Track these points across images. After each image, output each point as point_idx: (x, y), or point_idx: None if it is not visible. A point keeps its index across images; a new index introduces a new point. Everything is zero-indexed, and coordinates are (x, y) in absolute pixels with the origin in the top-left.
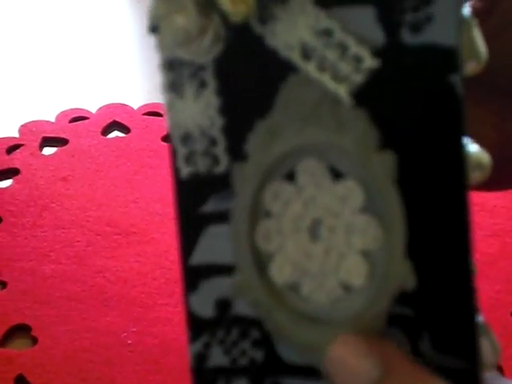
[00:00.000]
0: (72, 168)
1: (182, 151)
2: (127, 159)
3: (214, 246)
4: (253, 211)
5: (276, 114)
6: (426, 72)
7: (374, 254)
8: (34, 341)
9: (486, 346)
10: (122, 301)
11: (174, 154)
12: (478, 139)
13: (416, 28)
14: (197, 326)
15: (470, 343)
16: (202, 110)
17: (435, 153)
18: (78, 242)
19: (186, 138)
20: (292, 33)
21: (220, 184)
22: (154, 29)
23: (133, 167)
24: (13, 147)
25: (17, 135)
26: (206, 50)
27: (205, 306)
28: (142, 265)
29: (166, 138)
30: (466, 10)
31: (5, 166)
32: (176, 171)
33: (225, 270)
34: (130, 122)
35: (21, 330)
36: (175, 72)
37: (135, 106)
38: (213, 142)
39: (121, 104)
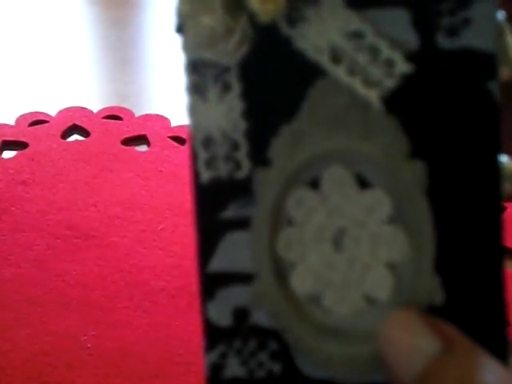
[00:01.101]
0: (32, 171)
1: (202, 155)
2: (87, 163)
3: (233, 253)
4: (274, 219)
5: (302, 119)
6: (461, 78)
7: (400, 267)
8: None
9: None
10: (82, 304)
11: (194, 157)
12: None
13: (452, 32)
14: (213, 335)
15: (501, 359)
16: (225, 114)
17: (469, 163)
18: (37, 245)
19: (208, 142)
20: (322, 35)
21: (241, 190)
22: (179, 29)
23: (92, 171)
24: None
25: None
26: (232, 52)
27: (222, 315)
28: (101, 268)
29: (125, 142)
30: (500, 14)
31: None
32: (196, 175)
33: (244, 278)
34: (90, 126)
35: None
36: (199, 74)
37: (95, 110)
38: (235, 147)
39: (80, 107)
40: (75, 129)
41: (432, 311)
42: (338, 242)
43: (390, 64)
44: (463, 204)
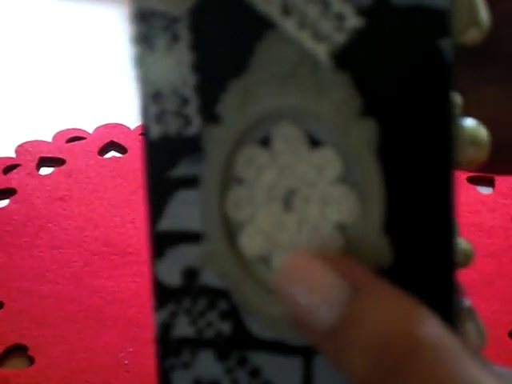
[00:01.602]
0: (69, 188)
1: (152, 109)
2: (124, 179)
3: (183, 212)
4: (224, 177)
5: (251, 74)
6: (413, 35)
7: (349, 228)
8: (31, 361)
9: (471, 330)
10: (119, 321)
11: (143, 112)
12: (494, 120)
13: None
14: (163, 294)
15: (448, 322)
16: (174, 66)
17: (419, 122)
18: (75, 262)
19: (157, 96)
20: None
21: (191, 147)
22: None
23: (129, 187)
24: (10, 167)
25: (14, 155)
26: (179, 1)
27: (172, 274)
28: (138, 285)
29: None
30: None
31: (2, 186)
32: (146, 131)
33: (193, 237)
34: (127, 142)
35: (18, 350)
36: (147, 23)
37: (132, 126)
38: (184, 102)
39: (118, 124)
40: (112, 145)
41: (380, 272)
42: (287, 202)
43: (340, 18)
44: (413, 164)
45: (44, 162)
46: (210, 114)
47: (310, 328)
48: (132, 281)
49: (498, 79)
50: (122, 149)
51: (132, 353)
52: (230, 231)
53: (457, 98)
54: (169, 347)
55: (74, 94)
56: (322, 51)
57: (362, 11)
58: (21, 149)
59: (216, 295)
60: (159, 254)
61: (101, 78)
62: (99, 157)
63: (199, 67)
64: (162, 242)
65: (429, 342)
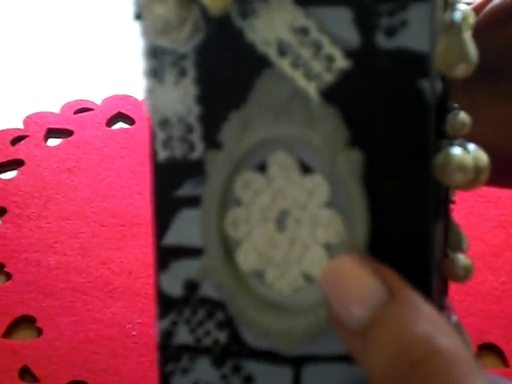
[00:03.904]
0: (77, 159)
1: (160, 135)
2: (132, 150)
3: (186, 229)
4: (223, 198)
5: (250, 107)
6: (396, 76)
7: (335, 248)
8: (39, 332)
9: None
10: (127, 292)
11: (152, 137)
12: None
13: (390, 32)
14: (165, 304)
15: None
16: (181, 98)
17: (401, 153)
18: (82, 233)
19: (165, 123)
20: (270, 29)
21: (195, 170)
22: (137, 16)
23: (137, 158)
24: (17, 138)
25: (22, 126)
26: (185, 40)
27: (174, 286)
28: (146, 256)
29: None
30: (457, 14)
31: (10, 158)
32: (154, 154)
33: (194, 252)
34: (135, 114)
35: (25, 321)
36: (157, 59)
37: (140, 98)
38: (189, 129)
39: (125, 95)
40: (120, 117)
41: None
42: (281, 223)
43: (330, 59)
44: (395, 191)
45: (52, 133)
46: (212, 141)
47: (343, 324)
48: (140, 252)
49: (508, 96)
50: (129, 120)
51: (140, 324)
52: (228, 247)
53: (465, 119)
54: (169, 353)
55: (81, 65)
56: (312, 89)
57: (350, 53)
58: (29, 120)
59: (214, 306)
60: (163, 267)
61: (108, 49)
62: (107, 128)
63: (203, 99)
64: (166, 256)
65: (448, 352)
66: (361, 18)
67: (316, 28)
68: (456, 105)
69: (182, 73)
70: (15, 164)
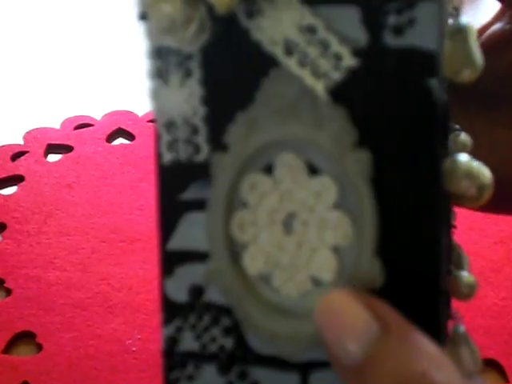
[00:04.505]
0: (77, 175)
1: (165, 137)
2: (132, 166)
3: (191, 232)
4: (229, 201)
5: (256, 107)
6: (405, 74)
7: (344, 251)
8: (39, 348)
9: (466, 355)
10: (127, 308)
11: (157, 139)
12: (505, 161)
13: (398, 31)
14: (170, 309)
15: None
16: (186, 99)
17: (409, 154)
18: (82, 248)
19: (170, 125)
20: (277, 28)
21: (200, 172)
22: (142, 16)
23: (137, 174)
24: (18, 154)
25: (21, 142)
26: (191, 40)
27: (179, 291)
28: (146, 271)
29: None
30: (464, 19)
31: (10, 173)
32: (159, 157)
33: (200, 256)
34: (135, 129)
35: (25, 337)
36: (162, 59)
37: (140, 113)
38: (195, 131)
39: (126, 111)
40: (120, 132)
41: (372, 294)
42: (288, 225)
43: (337, 58)
44: (404, 193)
45: (52, 148)
46: (217, 143)
47: (338, 360)
48: (140, 267)
49: (510, 122)
50: (129, 136)
51: (140, 340)
52: (234, 251)
53: (466, 140)
54: (175, 360)
55: (82, 81)
56: (320, 87)
57: (357, 52)
58: (29, 136)
59: (220, 312)
60: (168, 272)
61: (109, 65)
62: (107, 144)
63: (209, 100)
64: (171, 261)
65: None
66: (368, 16)
67: (323, 27)
68: (457, 126)
69: (188, 73)
70: (15, 180)
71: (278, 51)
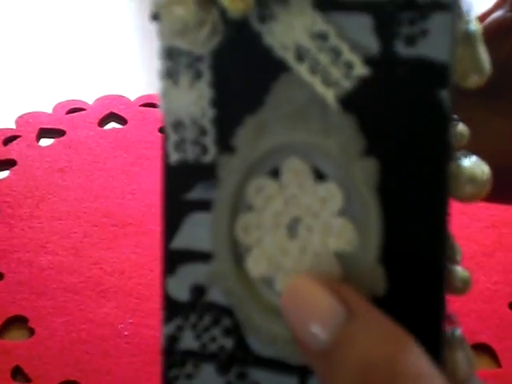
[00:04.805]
0: (69, 159)
1: (172, 137)
2: (124, 150)
3: (195, 232)
4: (235, 203)
5: (265, 111)
6: (415, 85)
7: (347, 257)
8: (31, 332)
9: (461, 359)
10: (119, 292)
11: (165, 139)
12: (500, 150)
13: (411, 41)
14: (171, 308)
15: (435, 354)
16: (195, 100)
17: (416, 164)
18: (74, 233)
19: (178, 126)
20: (289, 33)
21: (207, 173)
22: (154, 16)
23: (130, 158)
24: (10, 138)
25: (14, 126)
26: (203, 42)
27: (181, 290)
28: (138, 256)
29: (163, 130)
30: (473, 25)
31: (2, 158)
32: (166, 156)
33: (203, 257)
34: (127, 114)
35: (17, 322)
36: (173, 60)
37: (132, 98)
38: (203, 132)
39: (118, 95)
40: (112, 117)
41: (374, 301)
42: (292, 230)
43: (348, 66)
44: (410, 202)
45: (44, 133)
46: (225, 145)
47: (305, 346)
48: (132, 252)
49: (507, 112)
50: (122, 120)
51: (132, 324)
52: (238, 253)
53: (464, 130)
54: (174, 358)
55: (74, 65)
56: (330, 96)
57: (369, 60)
58: (21, 120)
59: (221, 312)
60: (170, 271)
61: (101, 49)
62: (99, 128)
63: (218, 102)
64: (173, 259)
65: (411, 372)
66: (381, 25)
67: (335, 34)
68: (455, 116)
69: (198, 75)
70: (7, 164)
71: (289, 57)
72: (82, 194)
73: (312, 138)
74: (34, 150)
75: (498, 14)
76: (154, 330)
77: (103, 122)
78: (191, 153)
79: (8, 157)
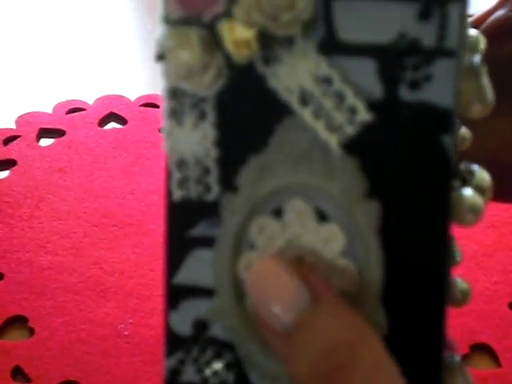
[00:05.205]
0: (69, 159)
1: (176, 175)
2: (124, 150)
3: (198, 269)
4: (237, 241)
5: (269, 153)
6: (418, 129)
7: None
8: (31, 332)
9: (461, 383)
10: (119, 292)
11: (168, 176)
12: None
13: (414, 86)
14: (174, 342)
15: (436, 380)
16: (199, 140)
17: (419, 207)
18: (74, 233)
19: (181, 164)
20: (293, 77)
21: (210, 211)
22: (160, 57)
23: (130, 158)
24: (10, 138)
25: (14, 126)
26: (207, 85)
27: (183, 324)
28: (138, 256)
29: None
30: (477, 58)
31: (2, 158)
32: (169, 193)
33: (206, 292)
34: (127, 114)
35: (17, 321)
36: (177, 100)
37: (132, 98)
38: (206, 171)
39: (118, 95)
40: (112, 117)
41: None
42: None
43: (352, 111)
44: (412, 243)
45: (44, 133)
46: (228, 184)
47: (268, 328)
48: (132, 252)
49: (507, 112)
50: (122, 120)
51: (132, 324)
52: (240, 291)
53: (466, 133)
54: None
55: (74, 65)
56: (333, 141)
57: (372, 105)
58: (21, 120)
59: (222, 347)
60: (173, 305)
61: (101, 49)
62: (99, 128)
63: (222, 142)
64: (176, 294)
65: (371, 358)
66: (385, 69)
67: (339, 78)
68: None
69: (202, 116)
70: (7, 164)
71: (293, 100)
72: (82, 194)
73: (315, 180)
74: (33, 150)
75: (499, 13)
76: (154, 330)
77: (103, 122)
78: (194, 191)
79: (8, 157)
